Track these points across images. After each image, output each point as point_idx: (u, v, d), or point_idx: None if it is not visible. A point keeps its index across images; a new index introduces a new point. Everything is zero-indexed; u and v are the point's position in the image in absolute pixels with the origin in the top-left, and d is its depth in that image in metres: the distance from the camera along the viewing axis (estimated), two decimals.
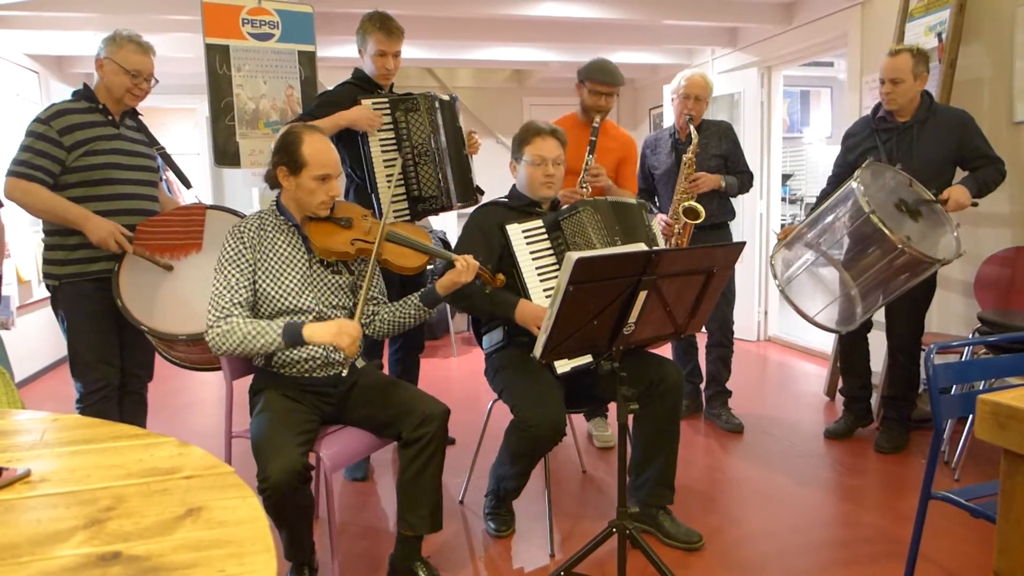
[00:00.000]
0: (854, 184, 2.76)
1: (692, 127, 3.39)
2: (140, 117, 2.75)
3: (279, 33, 3.42)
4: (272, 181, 2.23)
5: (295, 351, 2.17)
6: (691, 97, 3.41)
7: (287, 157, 2.15)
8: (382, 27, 2.89)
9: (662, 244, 2.62)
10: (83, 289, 2.57)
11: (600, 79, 3.19)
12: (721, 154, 3.49)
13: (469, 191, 3.01)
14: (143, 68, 2.59)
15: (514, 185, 2.64)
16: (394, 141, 2.87)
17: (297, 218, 2.23)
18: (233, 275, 2.13)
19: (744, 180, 3.54)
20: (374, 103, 2.85)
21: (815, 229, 3.04)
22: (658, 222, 3.51)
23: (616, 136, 3.40)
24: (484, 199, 2.70)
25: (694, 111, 3.42)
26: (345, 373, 2.16)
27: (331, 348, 2.19)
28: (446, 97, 2.97)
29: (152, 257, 2.56)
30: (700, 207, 3.33)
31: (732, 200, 3.62)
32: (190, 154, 7.53)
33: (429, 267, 2.54)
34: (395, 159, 2.85)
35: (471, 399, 4.24)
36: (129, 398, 2.80)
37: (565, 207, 2.56)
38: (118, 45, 2.55)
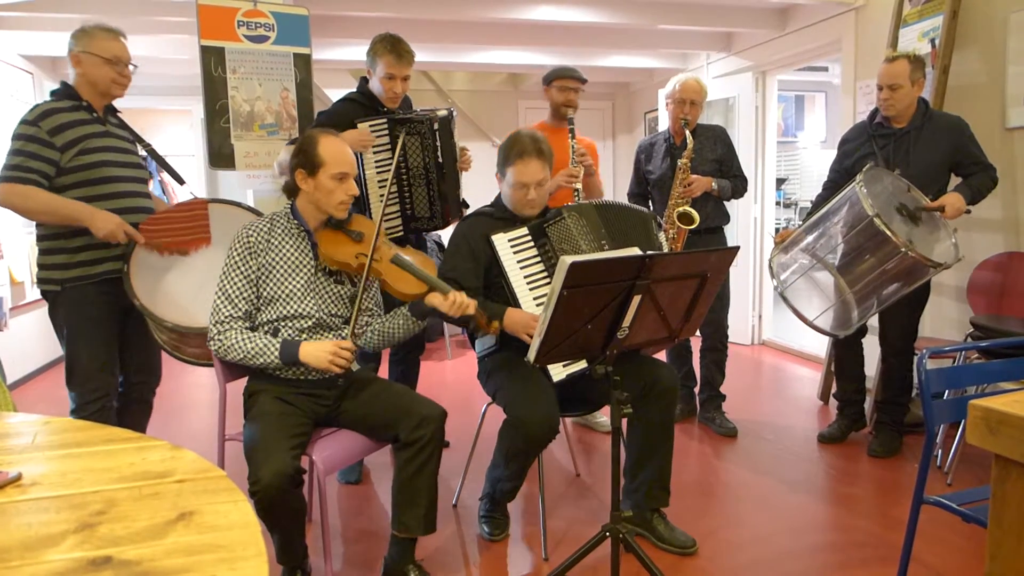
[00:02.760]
0: (856, 188, 2.77)
1: (688, 132, 3.41)
2: (120, 115, 2.68)
3: (274, 35, 3.42)
4: (290, 190, 2.24)
5: None
6: (686, 101, 3.43)
7: (304, 158, 2.17)
8: (392, 50, 2.86)
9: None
10: (87, 293, 2.50)
11: (567, 75, 3.43)
12: (716, 158, 3.50)
13: (458, 207, 3.04)
14: (122, 54, 2.53)
15: (499, 195, 2.63)
16: (390, 162, 2.88)
17: (311, 224, 2.24)
18: (236, 284, 2.15)
19: (738, 184, 3.55)
20: (371, 125, 2.85)
21: (812, 234, 3.05)
22: None
23: (580, 140, 3.47)
24: (473, 207, 2.71)
25: (689, 115, 3.44)
26: (341, 382, 2.19)
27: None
28: (444, 112, 2.95)
29: (164, 242, 2.53)
30: (695, 212, 3.35)
31: (727, 204, 3.63)
32: (185, 156, 7.52)
33: None
34: (390, 179, 2.86)
35: (466, 402, 4.24)
36: (137, 407, 2.76)
37: (551, 212, 2.55)
38: (91, 36, 2.48)
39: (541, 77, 6.28)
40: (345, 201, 2.21)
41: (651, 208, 3.68)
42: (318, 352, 2.10)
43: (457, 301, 2.19)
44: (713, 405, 3.71)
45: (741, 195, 3.62)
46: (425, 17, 4.70)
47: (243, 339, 2.11)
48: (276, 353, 2.10)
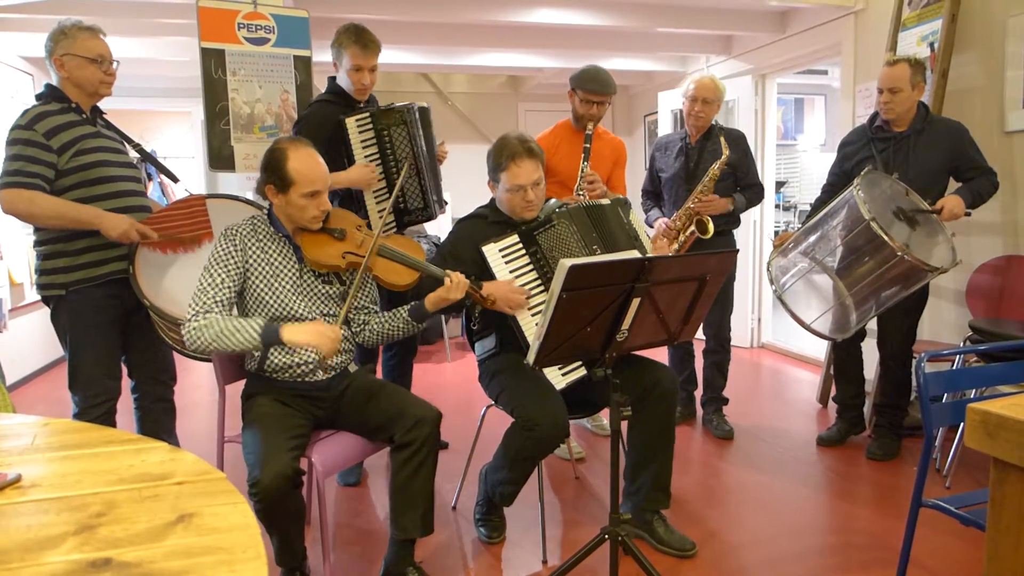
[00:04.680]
0: (853, 192, 2.78)
1: (723, 139, 3.33)
2: (105, 116, 2.64)
3: (274, 38, 3.42)
4: (263, 195, 2.23)
5: (286, 356, 2.17)
6: (698, 99, 3.38)
7: (274, 175, 2.13)
8: (357, 41, 2.82)
9: (644, 239, 2.60)
10: (92, 296, 2.47)
11: (592, 88, 3.15)
12: (730, 163, 3.41)
13: (440, 199, 3.03)
14: (106, 52, 2.48)
15: (493, 198, 2.60)
16: (379, 156, 2.87)
17: (288, 229, 2.23)
18: (219, 274, 2.11)
19: (753, 195, 3.50)
20: (357, 120, 2.82)
21: (810, 237, 3.05)
22: (660, 224, 3.50)
23: (608, 141, 3.40)
24: (469, 208, 2.69)
25: (702, 114, 3.39)
26: (321, 376, 2.07)
27: (312, 350, 2.17)
28: (424, 104, 2.95)
29: (178, 237, 2.51)
30: (711, 224, 3.31)
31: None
32: (185, 157, 7.53)
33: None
34: (381, 174, 2.85)
35: (465, 404, 4.23)
36: (160, 407, 2.75)
37: (541, 218, 2.51)
38: (71, 37, 2.43)
39: (541, 79, 6.16)
40: (317, 216, 2.18)
41: (663, 207, 3.64)
42: (303, 329, 2.02)
43: (456, 281, 2.21)
44: (713, 407, 3.71)
45: (756, 204, 3.58)
46: (424, 19, 4.71)
47: (220, 318, 2.03)
48: (256, 330, 2.01)
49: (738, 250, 2.11)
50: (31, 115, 2.38)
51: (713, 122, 3.48)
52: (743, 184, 3.49)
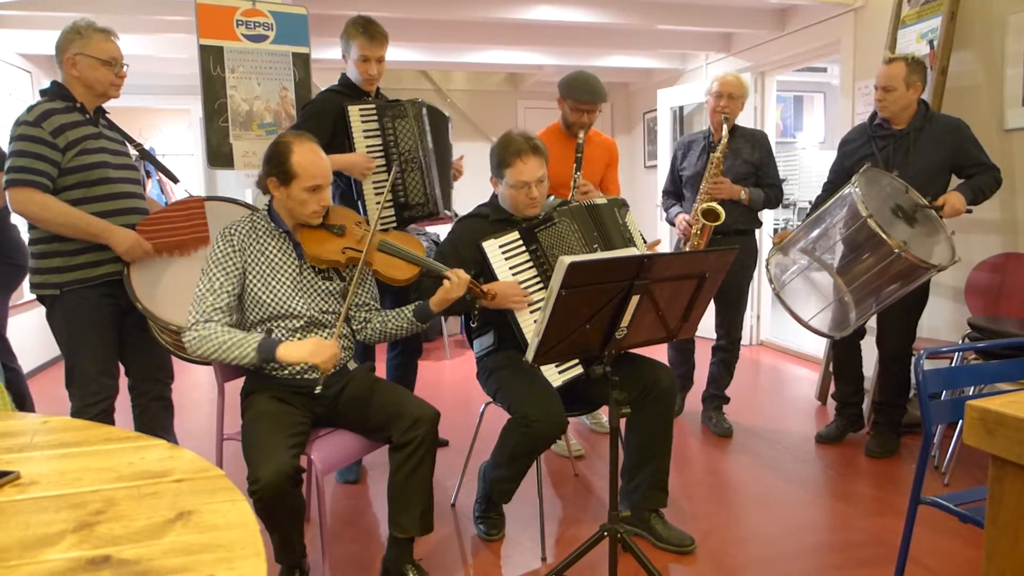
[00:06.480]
0: (851, 189, 2.78)
1: (725, 127, 3.32)
2: (108, 115, 2.64)
3: (273, 35, 3.42)
4: (264, 189, 2.23)
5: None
6: (723, 95, 3.37)
7: (277, 168, 2.14)
8: (364, 32, 2.86)
9: (637, 240, 2.61)
10: (87, 296, 2.47)
11: (582, 98, 3.13)
12: (752, 161, 3.41)
13: (449, 201, 3.01)
14: (117, 54, 2.49)
15: (495, 195, 2.61)
16: (381, 148, 2.87)
17: (289, 225, 2.23)
18: (218, 278, 2.12)
19: (772, 195, 3.47)
20: (360, 110, 2.84)
21: (810, 234, 3.05)
22: (681, 221, 3.50)
23: (600, 143, 3.37)
24: (471, 207, 2.68)
25: (727, 109, 3.37)
26: (319, 390, 2.10)
27: (307, 366, 2.17)
28: (446, 113, 2.98)
29: (167, 248, 2.52)
30: (720, 209, 3.28)
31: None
32: (183, 155, 7.52)
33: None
34: (383, 167, 2.85)
35: (464, 402, 4.23)
36: (158, 405, 2.75)
37: (542, 215, 2.51)
38: (85, 37, 2.43)
39: (540, 77, 6.15)
40: (318, 211, 2.19)
41: (684, 206, 3.62)
42: (299, 346, 2.06)
43: (460, 279, 2.22)
44: (713, 404, 3.72)
45: (775, 206, 3.56)
46: (424, 17, 4.70)
47: (221, 330, 2.05)
48: (254, 346, 2.03)
49: (737, 248, 2.09)
50: (37, 112, 2.37)
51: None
52: (764, 185, 3.46)
